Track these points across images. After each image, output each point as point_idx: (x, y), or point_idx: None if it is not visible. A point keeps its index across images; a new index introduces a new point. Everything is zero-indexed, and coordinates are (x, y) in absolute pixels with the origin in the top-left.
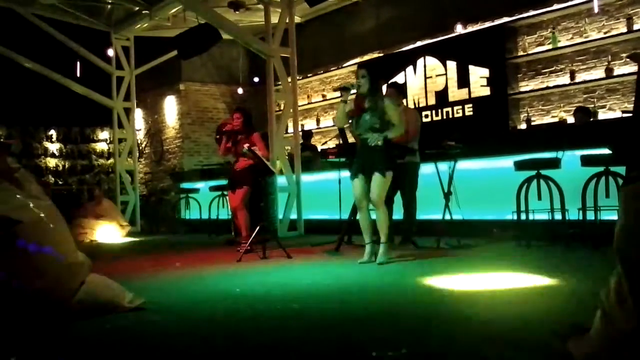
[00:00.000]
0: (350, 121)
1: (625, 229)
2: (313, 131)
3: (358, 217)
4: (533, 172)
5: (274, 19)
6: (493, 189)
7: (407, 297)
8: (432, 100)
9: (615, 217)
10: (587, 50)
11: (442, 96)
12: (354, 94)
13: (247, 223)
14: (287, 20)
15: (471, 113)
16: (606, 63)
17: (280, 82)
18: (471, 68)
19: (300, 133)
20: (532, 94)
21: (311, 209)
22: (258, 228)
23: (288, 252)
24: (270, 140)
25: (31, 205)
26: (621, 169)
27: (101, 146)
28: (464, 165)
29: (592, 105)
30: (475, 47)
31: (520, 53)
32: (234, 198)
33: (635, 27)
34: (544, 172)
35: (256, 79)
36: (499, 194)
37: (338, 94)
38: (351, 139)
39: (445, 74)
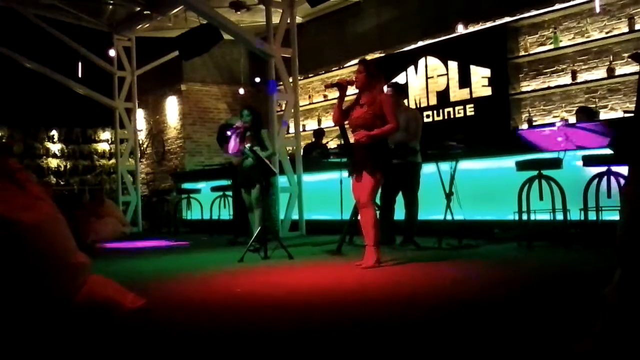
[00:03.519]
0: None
1: (627, 228)
2: (325, 130)
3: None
4: (534, 172)
5: (275, 19)
6: (494, 189)
7: (408, 299)
8: (433, 101)
9: (616, 217)
10: (589, 50)
11: (443, 96)
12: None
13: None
14: (289, 21)
15: (472, 113)
16: (608, 63)
17: (281, 82)
18: (472, 68)
19: (312, 131)
20: (534, 94)
21: (313, 209)
22: (260, 228)
23: (289, 252)
24: (272, 140)
25: (32, 205)
26: (623, 169)
27: (103, 146)
28: (465, 165)
29: (594, 105)
30: (477, 47)
31: (522, 53)
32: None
33: (637, 27)
34: (545, 172)
35: (257, 79)
36: (501, 194)
37: (339, 93)
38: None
39: (447, 74)
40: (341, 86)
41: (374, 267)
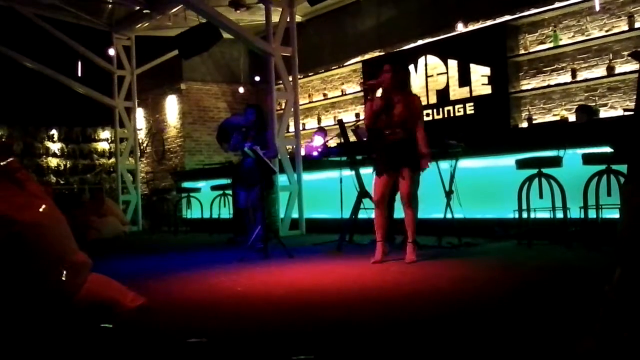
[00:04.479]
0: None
1: (627, 226)
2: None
3: (374, 214)
4: (534, 171)
5: (275, 18)
6: (494, 187)
7: (408, 297)
8: (433, 99)
9: (616, 216)
10: (589, 49)
11: (443, 95)
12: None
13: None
14: (288, 19)
15: (472, 112)
16: (607, 61)
17: (281, 81)
18: (472, 66)
19: (312, 130)
20: (534, 92)
21: (313, 208)
22: (260, 227)
23: (289, 251)
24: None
25: (32, 205)
26: (622, 168)
27: (103, 145)
28: (465, 163)
29: (594, 104)
30: (477, 46)
31: (522, 51)
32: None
33: (637, 25)
34: (545, 170)
35: (257, 78)
36: (501, 192)
37: (339, 92)
38: (352, 138)
39: (447, 73)
40: (375, 87)
41: (416, 262)
